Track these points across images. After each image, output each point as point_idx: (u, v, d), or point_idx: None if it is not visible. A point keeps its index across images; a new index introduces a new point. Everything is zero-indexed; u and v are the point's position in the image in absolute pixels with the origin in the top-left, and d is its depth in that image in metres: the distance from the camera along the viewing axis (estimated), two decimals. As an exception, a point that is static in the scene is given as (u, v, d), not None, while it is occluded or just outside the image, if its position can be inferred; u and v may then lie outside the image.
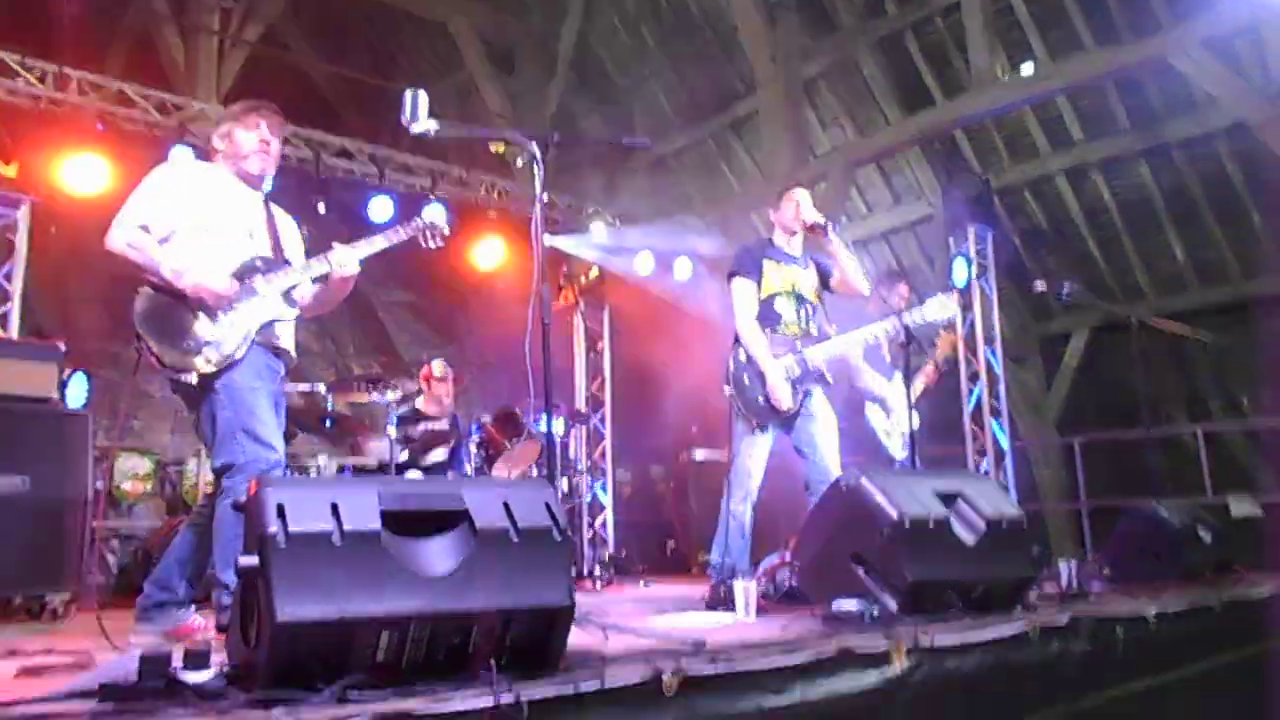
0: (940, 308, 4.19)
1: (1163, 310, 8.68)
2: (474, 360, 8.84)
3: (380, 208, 6.89)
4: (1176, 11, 7.53)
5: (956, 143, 9.83)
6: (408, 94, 2.90)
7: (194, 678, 1.77)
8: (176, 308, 2.97)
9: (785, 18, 9.16)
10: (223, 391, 2.96)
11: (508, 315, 8.14)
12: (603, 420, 7.90)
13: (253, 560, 1.74)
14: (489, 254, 7.52)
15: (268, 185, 3.45)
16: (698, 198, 11.58)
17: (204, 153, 3.49)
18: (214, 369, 2.95)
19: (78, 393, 5.12)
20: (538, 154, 2.76)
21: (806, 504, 6.21)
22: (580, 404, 7.84)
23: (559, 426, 6.47)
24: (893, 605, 2.75)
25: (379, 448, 5.17)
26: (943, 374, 5.36)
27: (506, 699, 1.72)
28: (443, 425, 5.89)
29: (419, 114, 2.89)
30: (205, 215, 3.11)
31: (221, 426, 2.95)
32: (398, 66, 12.24)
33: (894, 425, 5.09)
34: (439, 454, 5.50)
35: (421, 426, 5.57)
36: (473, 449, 5.27)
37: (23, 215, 5.45)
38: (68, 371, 4.76)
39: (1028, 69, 7.93)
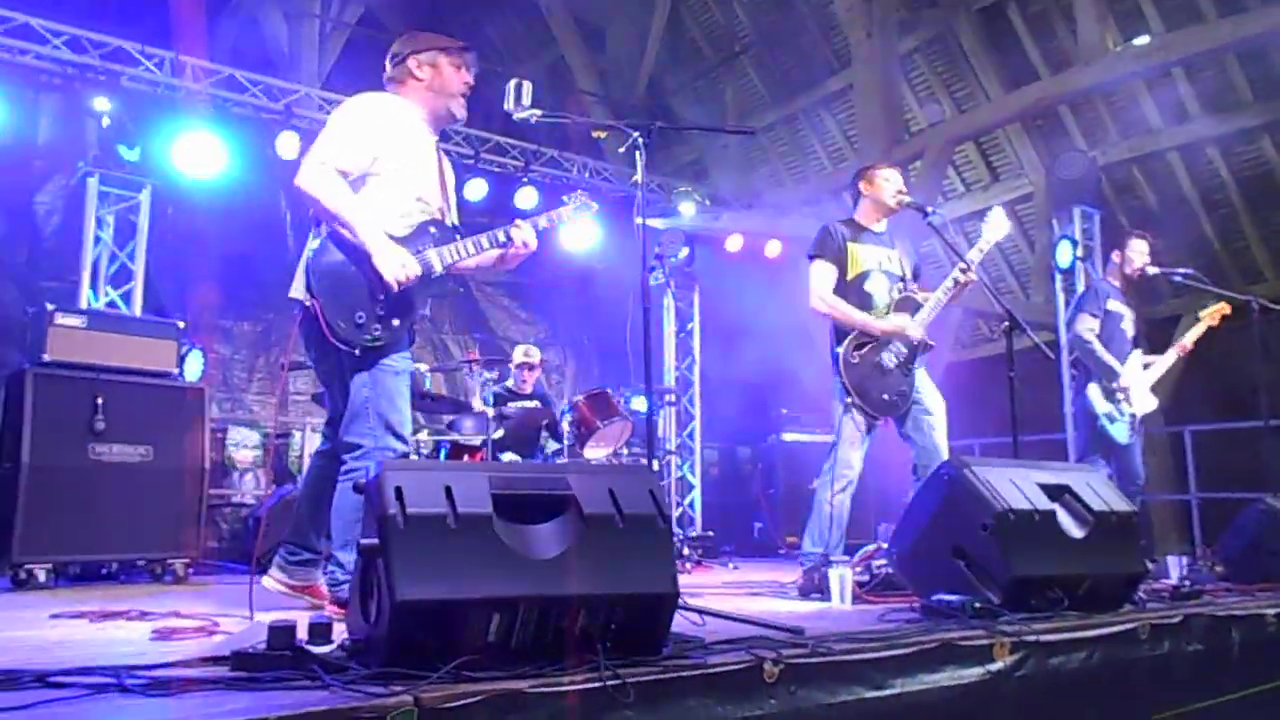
0: (996, 226, 4.12)
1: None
2: (567, 339, 8.95)
3: (475, 190, 7.00)
4: (1308, -24, 7.07)
5: (1060, 118, 9.46)
6: (511, 83, 2.95)
7: (318, 650, 1.85)
8: (357, 274, 2.83)
9: (883, -10, 8.92)
10: (369, 371, 2.87)
11: (601, 295, 8.25)
12: (691, 400, 7.91)
13: (374, 541, 1.81)
14: (582, 234, 7.57)
15: None
16: (788, 176, 11.44)
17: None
18: (377, 345, 2.86)
19: (194, 368, 5.38)
20: (640, 143, 2.76)
21: (902, 491, 6.16)
22: (669, 383, 7.86)
23: (644, 405, 6.51)
24: (995, 600, 2.70)
25: (475, 425, 5.29)
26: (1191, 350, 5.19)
27: (613, 682, 1.76)
28: (534, 404, 6.01)
29: (523, 102, 2.93)
30: (395, 161, 2.94)
31: (358, 405, 2.87)
32: (490, 45, 12.38)
33: (1119, 408, 4.97)
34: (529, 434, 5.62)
35: (515, 406, 5.69)
36: (565, 427, 5.35)
37: (144, 198, 5.73)
38: (185, 347, 4.99)
39: (1141, 41, 7.55)
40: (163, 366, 4.76)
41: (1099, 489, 3.06)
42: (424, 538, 1.81)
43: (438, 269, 2.99)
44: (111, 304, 5.58)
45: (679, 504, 7.64)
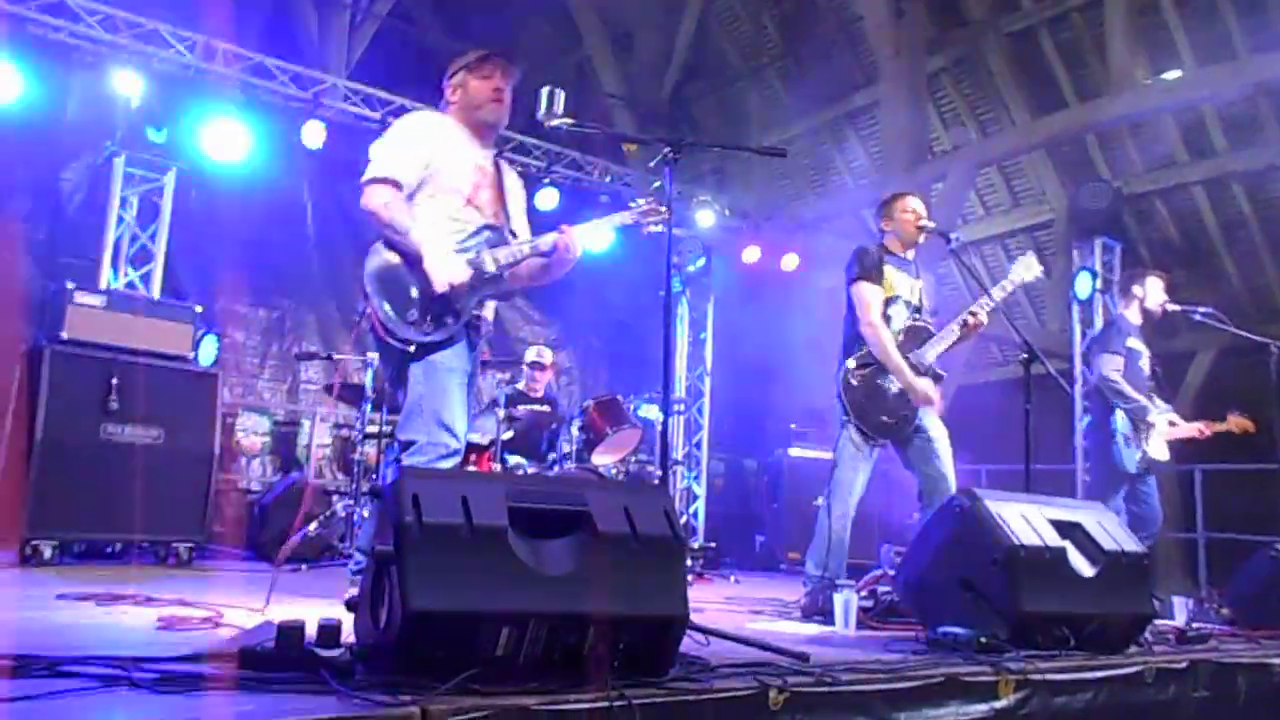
0: (1026, 268, 4.13)
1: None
2: (578, 342, 8.95)
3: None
4: (1343, 19, 7.05)
5: (1085, 146, 9.43)
6: (544, 90, 2.95)
7: (326, 654, 1.85)
8: (410, 274, 2.93)
9: (912, 9, 8.91)
10: (423, 369, 2.93)
11: (612, 299, 8.25)
12: (700, 410, 7.91)
13: (388, 548, 1.81)
14: (599, 238, 7.57)
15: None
16: (810, 191, 11.43)
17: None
18: (430, 341, 2.93)
19: (209, 352, 5.39)
20: (670, 156, 2.76)
21: (904, 512, 6.14)
22: (680, 392, 7.86)
23: (654, 413, 6.52)
24: (1001, 635, 2.69)
25: (488, 425, 5.30)
26: (1209, 437, 5.23)
27: (619, 703, 1.76)
28: (544, 407, 6.01)
29: (555, 110, 2.93)
30: (441, 173, 3.05)
31: (412, 402, 2.94)
32: (517, 43, 12.39)
33: (1139, 437, 5.00)
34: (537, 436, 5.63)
35: (525, 408, 5.68)
36: (575, 432, 5.34)
37: (168, 180, 5.75)
38: (201, 331, 5.00)
39: (1173, 74, 7.53)
40: (178, 350, 4.78)
41: (1110, 528, 3.04)
42: (438, 548, 1.81)
43: (490, 268, 3.04)
44: (131, 285, 5.60)
45: (683, 513, 7.64)
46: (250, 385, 6.80)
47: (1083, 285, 6.61)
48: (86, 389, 4.42)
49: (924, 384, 3.93)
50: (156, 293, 5.57)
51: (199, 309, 4.95)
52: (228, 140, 5.84)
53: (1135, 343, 5.14)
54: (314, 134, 6.16)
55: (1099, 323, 6.79)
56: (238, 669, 1.82)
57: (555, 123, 2.93)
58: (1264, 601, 4.05)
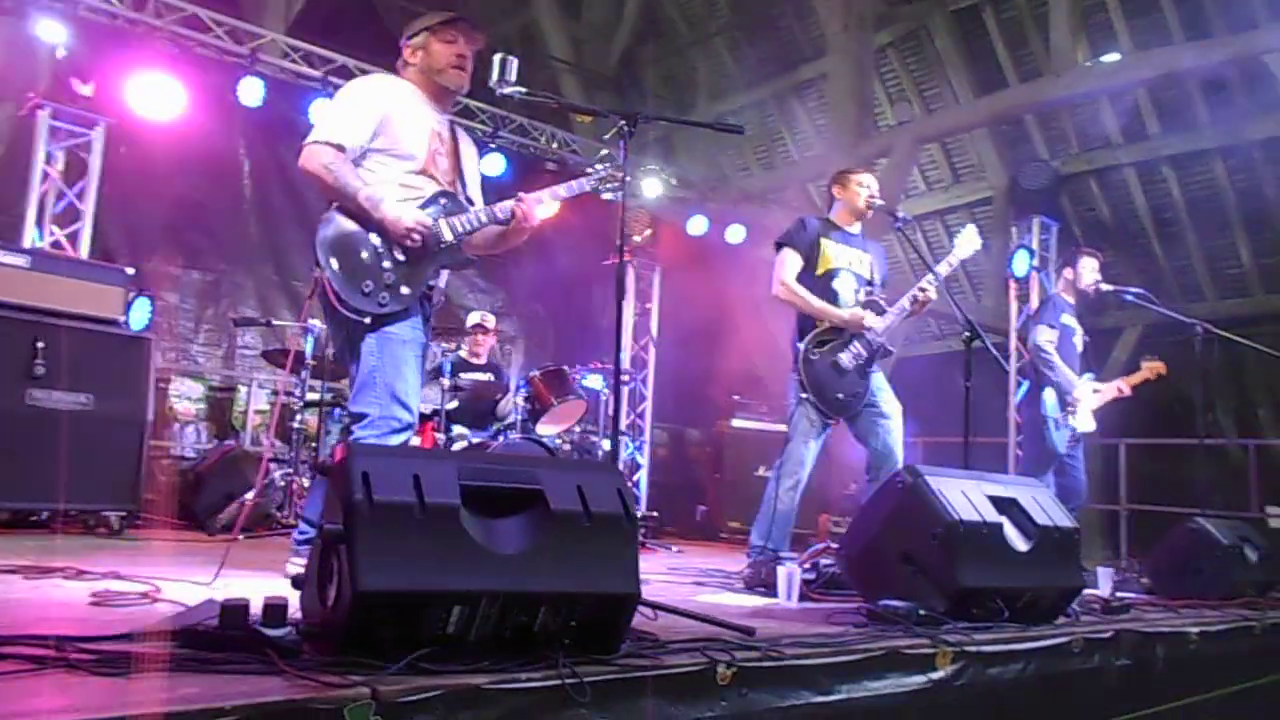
0: (968, 242, 4.26)
1: (1221, 313, 8.52)
2: (522, 311, 8.87)
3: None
4: (1277, 10, 7.26)
5: (1025, 125, 9.61)
6: (497, 57, 2.89)
7: (271, 633, 1.82)
8: (364, 241, 2.85)
9: (863, -17, 8.94)
10: (377, 340, 2.86)
11: (558, 268, 8.19)
12: (644, 380, 7.92)
13: (338, 527, 1.78)
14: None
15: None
16: (755, 162, 11.46)
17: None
18: (386, 313, 2.85)
19: (141, 316, 5.22)
20: (626, 130, 2.73)
21: (843, 484, 6.24)
22: (625, 362, 7.86)
23: (599, 383, 6.51)
24: (940, 608, 2.76)
25: (432, 394, 5.23)
26: (1133, 392, 5.38)
27: (571, 681, 1.76)
28: (487, 375, 5.96)
29: (508, 78, 2.88)
30: (395, 138, 2.96)
31: (365, 375, 2.87)
32: (463, 2, 12.14)
33: (1066, 417, 5.16)
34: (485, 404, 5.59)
35: (469, 377, 5.63)
36: (520, 402, 5.31)
37: (97, 135, 5.51)
38: (132, 294, 4.83)
39: (1112, 57, 7.69)
40: (108, 313, 4.61)
41: (1044, 504, 3.14)
42: (389, 527, 1.78)
43: (448, 236, 2.97)
44: (57, 244, 5.38)
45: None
46: (184, 350, 6.60)
47: (1020, 263, 6.76)
48: (9, 353, 4.24)
49: (853, 312, 4.06)
50: (85, 253, 5.36)
51: (131, 271, 4.77)
52: (160, 95, 5.61)
53: (1070, 320, 5.29)
54: (251, 91, 5.96)
55: (1035, 300, 6.95)
56: (180, 649, 1.78)
57: (508, 91, 2.87)
58: (1181, 572, 4.24)
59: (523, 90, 2.89)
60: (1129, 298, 5.18)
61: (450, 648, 1.80)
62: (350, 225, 2.87)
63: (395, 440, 2.86)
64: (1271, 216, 8.83)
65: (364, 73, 6.72)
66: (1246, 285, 9.36)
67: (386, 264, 2.87)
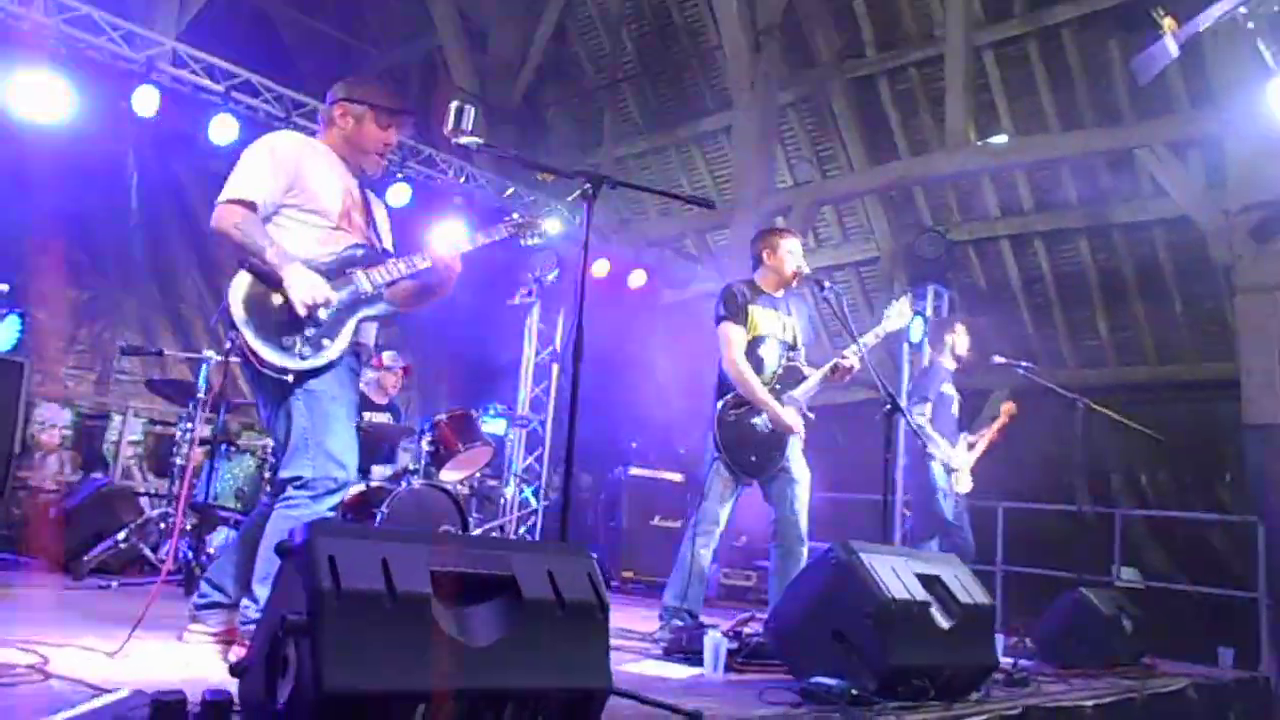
0: (898, 315, 4.37)
1: (1077, 381, 9.10)
2: (419, 349, 8.60)
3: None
4: (1141, 109, 7.91)
5: (911, 193, 10.08)
6: (453, 104, 2.82)
7: (216, 733, 1.66)
8: (278, 299, 2.73)
9: (769, 45, 9.20)
10: (304, 399, 2.75)
11: (455, 308, 7.96)
12: (543, 424, 7.79)
13: (301, 618, 1.64)
14: (449, 241, 7.32)
15: None
16: (653, 208, 11.57)
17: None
18: (309, 367, 2.74)
19: (8, 335, 4.78)
20: (589, 193, 2.69)
21: (744, 521, 6.26)
22: (524, 404, 7.72)
23: (501, 428, 6.37)
24: (870, 686, 2.79)
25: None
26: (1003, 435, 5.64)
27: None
28: (385, 416, 5.73)
29: (465, 126, 2.80)
30: (309, 194, 2.89)
31: (296, 436, 2.75)
32: (365, 24, 11.84)
33: (950, 485, 5.39)
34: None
35: (370, 416, 5.40)
36: (424, 446, 5.13)
37: (-31, 137, 5.06)
38: (2, 311, 4.42)
39: (1000, 139, 8.19)
40: (-27, 334, 4.21)
41: (965, 582, 3.23)
42: (357, 618, 1.66)
43: (366, 288, 2.88)
44: (-88, 251, 4.88)
45: (518, 529, 7.51)
46: (51, 372, 6.07)
47: (916, 330, 7.03)
48: None
49: (789, 413, 4.07)
50: (-54, 264, 4.88)
51: (3, 286, 4.37)
52: (44, 97, 5.20)
53: (948, 388, 5.54)
54: (146, 100, 5.61)
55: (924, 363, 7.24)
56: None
57: (465, 140, 2.79)
58: (1065, 640, 4.45)
59: (479, 141, 2.81)
60: (1021, 370, 5.45)
61: (412, 747, 1.69)
62: (261, 285, 2.75)
63: (332, 500, 2.71)
64: (1127, 294, 9.54)
65: (269, 90, 6.45)
66: (1103, 357, 10.04)
67: (304, 321, 2.74)
